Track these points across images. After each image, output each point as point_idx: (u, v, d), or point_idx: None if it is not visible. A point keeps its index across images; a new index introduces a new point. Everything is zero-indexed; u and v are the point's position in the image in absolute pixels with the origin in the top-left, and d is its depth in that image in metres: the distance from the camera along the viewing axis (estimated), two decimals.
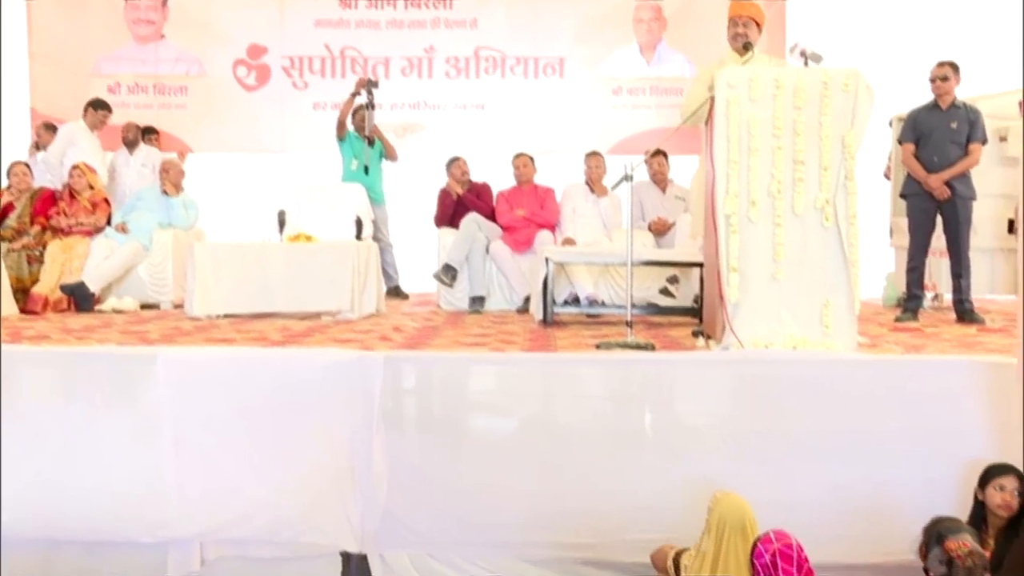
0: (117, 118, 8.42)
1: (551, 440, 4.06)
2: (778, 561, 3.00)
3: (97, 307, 6.64)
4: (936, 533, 3.23)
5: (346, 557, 4.12)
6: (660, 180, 7.43)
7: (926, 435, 3.91)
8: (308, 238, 6.44)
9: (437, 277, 7.04)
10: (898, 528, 3.69)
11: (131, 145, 8.36)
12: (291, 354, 4.45)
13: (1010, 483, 3.57)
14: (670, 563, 3.59)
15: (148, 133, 8.70)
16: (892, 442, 3.92)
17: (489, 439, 4.13)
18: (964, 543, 3.14)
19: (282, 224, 6.41)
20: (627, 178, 4.83)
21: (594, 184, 7.29)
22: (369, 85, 7.79)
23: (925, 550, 3.27)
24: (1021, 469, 3.59)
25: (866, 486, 3.88)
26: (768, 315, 4.23)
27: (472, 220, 7.07)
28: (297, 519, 4.01)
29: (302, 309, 6.11)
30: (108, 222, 7.15)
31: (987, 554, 3.33)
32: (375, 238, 7.29)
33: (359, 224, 6.70)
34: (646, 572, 3.69)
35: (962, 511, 3.65)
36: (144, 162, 8.28)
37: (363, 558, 4.10)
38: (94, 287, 6.68)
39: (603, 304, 6.51)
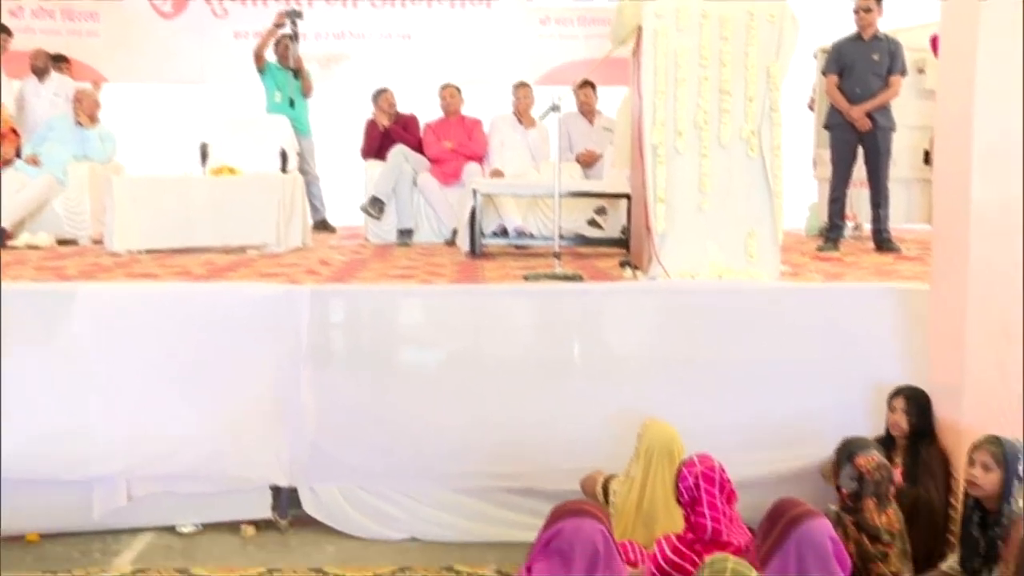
0: (21, 43, 8.02)
1: (479, 371, 4.07)
2: (701, 483, 3.08)
3: (9, 243, 6.41)
4: (847, 452, 3.36)
5: (276, 491, 4.12)
6: (588, 111, 7.40)
7: (844, 360, 4.02)
8: (232, 171, 6.28)
9: (364, 210, 6.96)
10: (815, 451, 3.82)
11: (41, 73, 7.99)
12: (216, 289, 4.38)
13: (899, 403, 3.73)
14: (599, 488, 3.66)
15: (58, 61, 8.33)
16: (812, 367, 4.02)
17: (417, 371, 4.13)
18: (872, 458, 3.27)
19: (204, 157, 6.25)
20: (554, 109, 4.81)
21: (522, 115, 7.24)
22: (292, 16, 7.58)
23: (837, 469, 3.38)
24: (927, 392, 3.73)
25: (786, 410, 3.98)
26: (694, 245, 4.29)
27: (399, 152, 6.99)
28: (224, 454, 3.98)
29: (226, 243, 6.00)
30: (18, 154, 6.87)
31: (897, 472, 3.48)
32: (301, 170, 7.17)
33: (284, 156, 6.56)
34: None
35: (876, 433, 3.78)
36: (57, 91, 7.90)
37: (293, 491, 4.11)
38: (5, 222, 6.45)
39: (531, 236, 6.52)
